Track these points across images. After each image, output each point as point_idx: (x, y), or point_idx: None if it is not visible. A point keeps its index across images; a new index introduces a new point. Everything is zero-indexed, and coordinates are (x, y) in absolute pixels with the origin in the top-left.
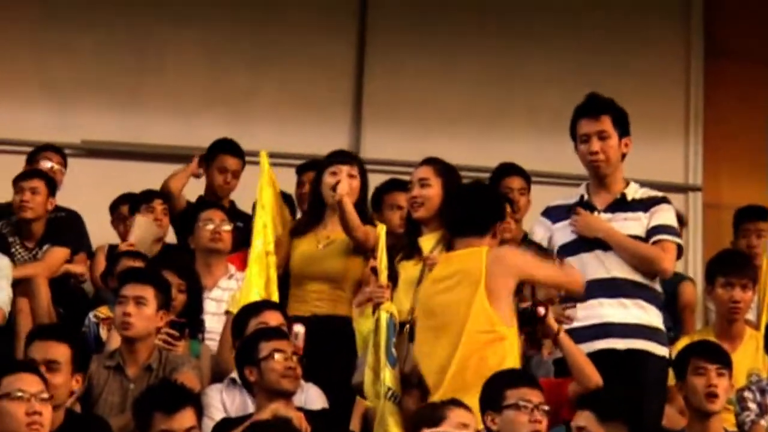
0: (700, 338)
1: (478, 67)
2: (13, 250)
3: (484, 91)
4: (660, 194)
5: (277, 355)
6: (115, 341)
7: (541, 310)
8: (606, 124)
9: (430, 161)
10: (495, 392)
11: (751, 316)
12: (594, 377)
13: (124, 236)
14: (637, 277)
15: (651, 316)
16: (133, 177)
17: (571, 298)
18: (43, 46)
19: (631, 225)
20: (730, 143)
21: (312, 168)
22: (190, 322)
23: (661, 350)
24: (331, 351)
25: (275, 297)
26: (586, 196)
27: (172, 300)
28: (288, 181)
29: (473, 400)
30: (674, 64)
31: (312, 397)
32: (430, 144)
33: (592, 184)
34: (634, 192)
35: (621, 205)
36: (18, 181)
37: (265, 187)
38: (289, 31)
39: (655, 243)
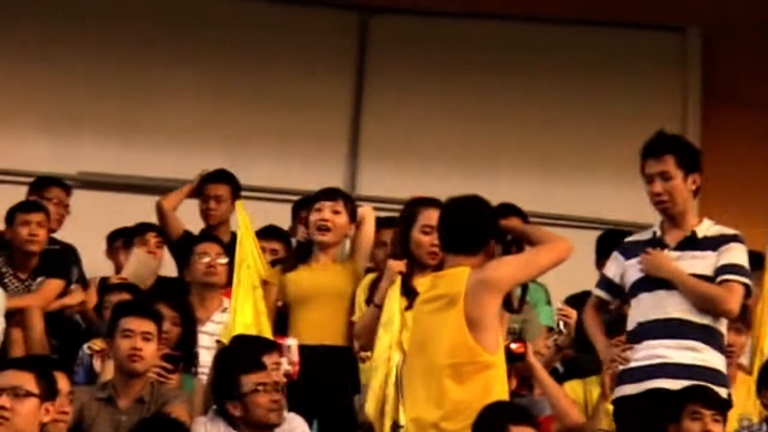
0: None
1: (476, 106)
2: (6, 280)
3: (481, 130)
4: (732, 232)
5: (261, 390)
6: (107, 373)
7: (519, 348)
8: (668, 164)
9: None
10: (496, 426)
11: (744, 360)
12: (572, 415)
13: (119, 268)
14: (696, 318)
15: (707, 356)
16: (130, 209)
17: (629, 339)
18: (42, 81)
19: (699, 264)
20: (727, 187)
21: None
22: (184, 356)
23: (717, 391)
24: (329, 384)
25: (267, 329)
26: (659, 233)
27: (164, 333)
28: (284, 217)
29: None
30: (671, 108)
31: (295, 428)
32: (426, 182)
33: (665, 221)
34: (706, 229)
35: (691, 243)
36: (23, 214)
37: (245, 233)
38: (288, 67)
39: (721, 283)
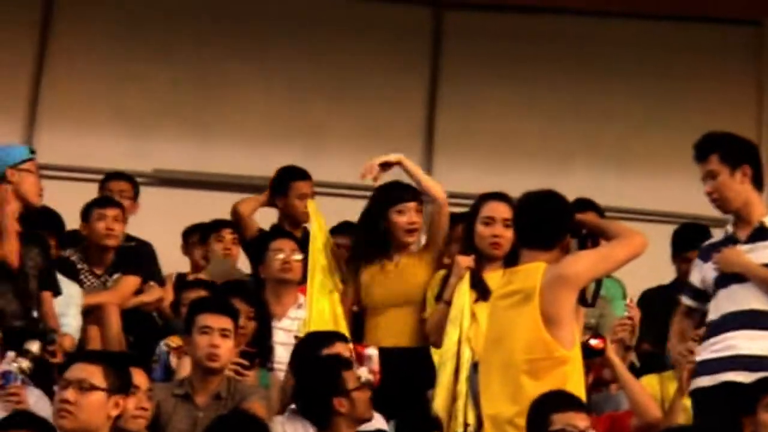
0: None
1: (554, 101)
2: (82, 277)
3: (559, 125)
4: None
5: (361, 385)
6: (184, 369)
7: (599, 343)
8: (713, 163)
9: (510, 201)
10: (541, 416)
11: None
12: (652, 410)
13: (195, 264)
14: None
15: None
16: (205, 206)
17: (707, 336)
18: (118, 78)
19: None
20: None
21: None
22: (259, 351)
23: None
24: (406, 386)
25: (345, 332)
26: (731, 230)
27: (240, 328)
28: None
29: None
30: (747, 100)
31: (373, 423)
32: (503, 177)
33: (735, 218)
34: None
35: (761, 233)
36: (99, 209)
37: (319, 232)
38: (363, 63)
39: None
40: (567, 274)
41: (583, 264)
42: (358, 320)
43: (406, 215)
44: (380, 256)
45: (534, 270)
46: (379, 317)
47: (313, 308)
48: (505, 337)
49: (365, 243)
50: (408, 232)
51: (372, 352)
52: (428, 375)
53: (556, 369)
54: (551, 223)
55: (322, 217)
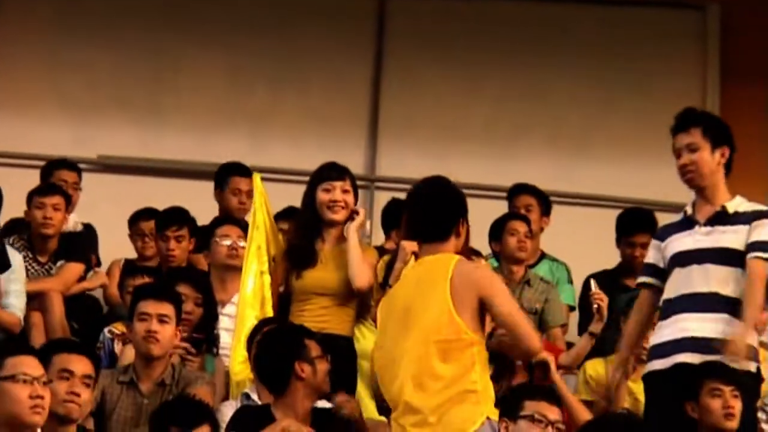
0: None
1: (498, 86)
2: (26, 264)
3: (503, 110)
4: (766, 208)
5: (323, 358)
6: (128, 356)
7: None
8: (695, 136)
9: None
10: (514, 400)
11: (766, 338)
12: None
13: (141, 251)
14: (727, 291)
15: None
16: (150, 192)
17: (661, 316)
18: (60, 62)
19: (729, 237)
20: (746, 164)
21: None
22: (206, 337)
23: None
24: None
25: (270, 315)
26: (689, 212)
27: (183, 315)
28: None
29: (455, 413)
30: (692, 84)
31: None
32: (447, 163)
33: (697, 199)
34: (737, 205)
35: (721, 218)
36: (38, 197)
37: (259, 209)
38: (307, 48)
39: (750, 259)
40: (482, 286)
41: (500, 294)
42: (283, 303)
43: (330, 193)
44: (314, 242)
45: (444, 259)
46: (304, 303)
47: (243, 287)
48: (413, 321)
49: (298, 226)
50: (328, 209)
51: None
52: (351, 364)
53: (465, 351)
54: (440, 215)
55: (265, 194)
